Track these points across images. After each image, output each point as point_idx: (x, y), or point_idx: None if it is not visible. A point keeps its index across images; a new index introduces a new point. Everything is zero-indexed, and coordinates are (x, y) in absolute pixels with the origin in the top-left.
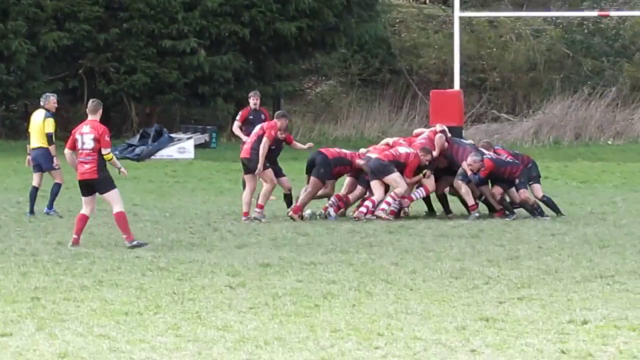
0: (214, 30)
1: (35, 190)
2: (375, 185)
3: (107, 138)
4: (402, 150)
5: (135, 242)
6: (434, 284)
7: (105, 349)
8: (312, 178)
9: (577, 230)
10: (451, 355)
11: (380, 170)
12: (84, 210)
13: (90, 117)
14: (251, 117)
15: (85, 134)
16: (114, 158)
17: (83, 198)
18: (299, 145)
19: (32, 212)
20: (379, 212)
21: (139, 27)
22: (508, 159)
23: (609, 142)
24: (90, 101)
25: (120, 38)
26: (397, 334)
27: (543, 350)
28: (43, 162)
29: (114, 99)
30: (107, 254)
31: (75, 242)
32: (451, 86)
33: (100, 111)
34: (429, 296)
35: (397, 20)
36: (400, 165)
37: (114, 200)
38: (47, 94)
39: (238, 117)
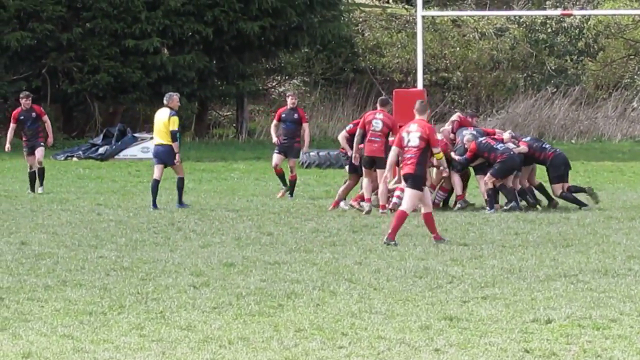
0: (177, 30)
1: (156, 183)
2: None
3: (435, 136)
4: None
5: (441, 240)
6: (397, 283)
7: (69, 349)
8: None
9: (540, 229)
10: (415, 355)
11: None
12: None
13: (418, 117)
14: (284, 115)
15: (412, 132)
16: (443, 158)
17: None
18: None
19: (155, 205)
20: (392, 205)
21: (102, 26)
22: (498, 146)
23: (573, 141)
24: (419, 102)
25: (83, 37)
26: (360, 333)
27: (507, 350)
28: (167, 159)
29: (77, 98)
30: (70, 254)
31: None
32: (415, 85)
33: (429, 111)
34: (392, 295)
35: (361, 19)
36: None
37: (424, 200)
38: (170, 93)
39: (275, 116)
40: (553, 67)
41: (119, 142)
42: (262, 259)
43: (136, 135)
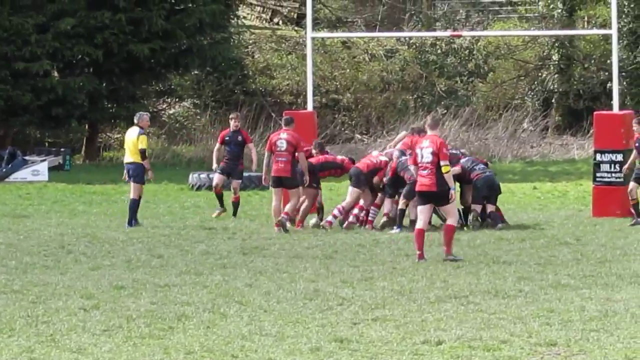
0: (67, 53)
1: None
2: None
3: (445, 151)
4: (382, 158)
5: (451, 257)
6: (288, 305)
7: None
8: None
9: (431, 250)
10: None
11: (356, 180)
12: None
13: (429, 132)
14: (228, 138)
15: (425, 148)
16: (450, 174)
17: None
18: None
19: (131, 224)
20: (346, 225)
21: None
22: (411, 167)
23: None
24: (431, 117)
25: None
26: (251, 355)
27: None
28: (134, 175)
29: None
30: None
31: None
32: (305, 107)
33: (439, 127)
34: (283, 317)
35: (251, 41)
36: (378, 170)
37: (450, 212)
38: (141, 112)
39: (218, 139)
40: (443, 88)
41: (9, 165)
42: (152, 281)
43: (26, 158)
